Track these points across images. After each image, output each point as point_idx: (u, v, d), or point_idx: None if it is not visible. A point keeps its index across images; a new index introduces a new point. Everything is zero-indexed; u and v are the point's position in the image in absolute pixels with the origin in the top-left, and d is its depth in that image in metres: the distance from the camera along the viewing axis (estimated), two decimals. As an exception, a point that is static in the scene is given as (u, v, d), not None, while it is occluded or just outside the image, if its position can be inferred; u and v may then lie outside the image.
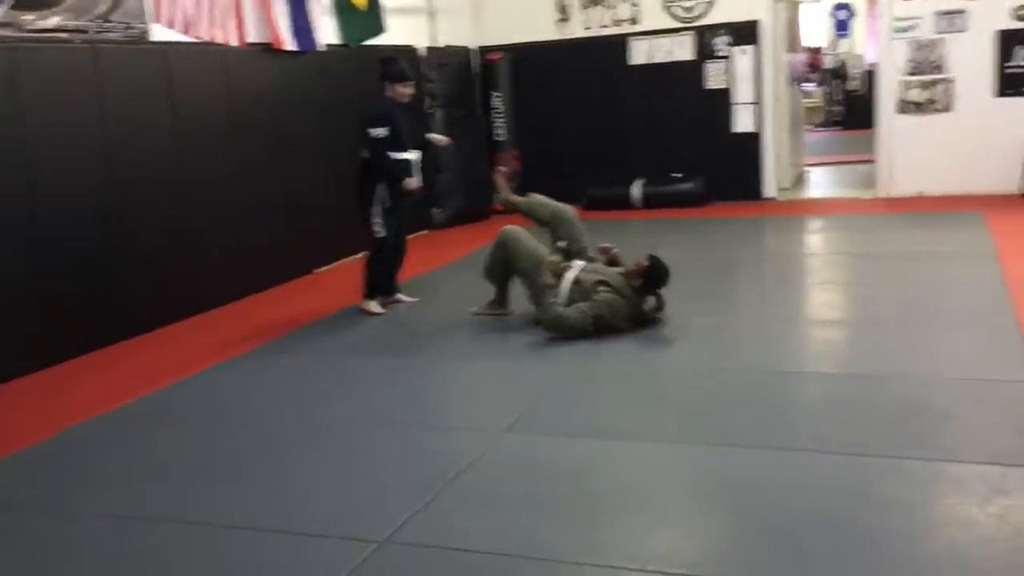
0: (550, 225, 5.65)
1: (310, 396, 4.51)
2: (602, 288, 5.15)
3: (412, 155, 5.85)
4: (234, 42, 6.69)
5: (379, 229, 5.79)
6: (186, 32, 6.27)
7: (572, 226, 5.60)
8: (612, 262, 5.43)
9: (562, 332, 5.07)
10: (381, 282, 5.99)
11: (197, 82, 6.36)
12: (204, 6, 6.39)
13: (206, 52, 6.46)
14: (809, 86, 19.21)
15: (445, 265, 7.69)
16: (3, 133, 4.99)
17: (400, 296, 6.19)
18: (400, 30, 8.88)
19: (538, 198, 5.84)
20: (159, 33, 6.06)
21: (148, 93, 5.95)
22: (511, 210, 6.04)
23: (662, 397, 4.23)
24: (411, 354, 5.09)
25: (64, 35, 5.33)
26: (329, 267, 7.72)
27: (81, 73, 5.45)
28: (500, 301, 5.69)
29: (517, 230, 5.52)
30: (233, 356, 5.24)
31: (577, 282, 5.14)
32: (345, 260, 7.83)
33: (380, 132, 5.62)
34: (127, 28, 5.78)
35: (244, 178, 6.79)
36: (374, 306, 5.95)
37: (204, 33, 6.42)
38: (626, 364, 4.72)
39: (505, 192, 6.14)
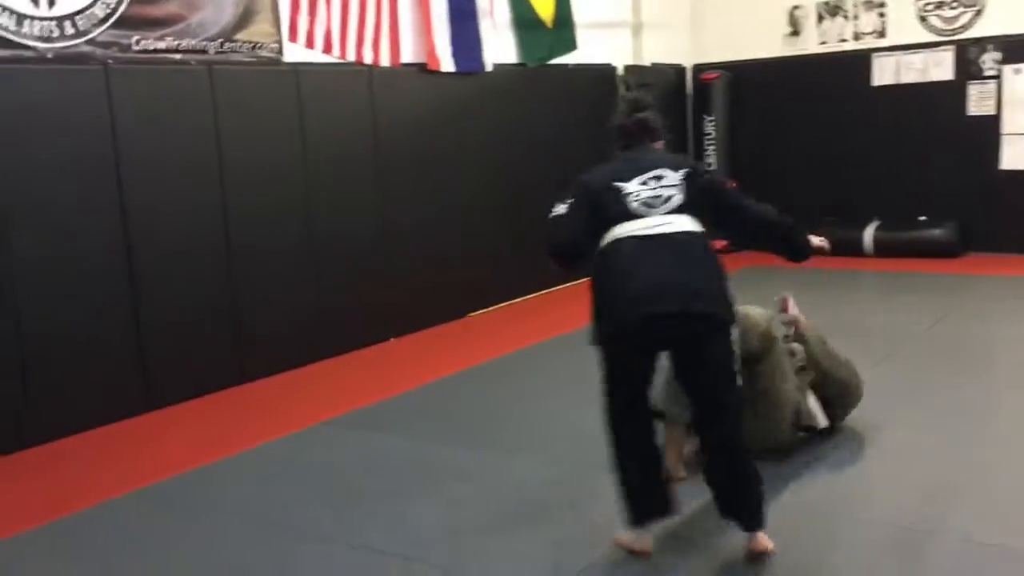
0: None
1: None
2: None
3: None
4: (386, 62, 6.10)
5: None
6: (327, 51, 5.75)
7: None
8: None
9: None
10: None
11: (335, 105, 5.80)
12: (351, 24, 5.86)
13: (347, 73, 5.91)
14: None
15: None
16: (97, 158, 4.64)
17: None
18: (597, 47, 7.98)
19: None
20: (294, 53, 5.58)
21: (276, 117, 5.47)
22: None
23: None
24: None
25: (177, 56, 4.94)
26: (484, 311, 6.96)
27: (197, 96, 5.04)
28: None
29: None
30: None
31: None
32: (502, 305, 7.05)
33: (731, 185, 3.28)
34: (255, 48, 5.32)
35: (386, 209, 6.18)
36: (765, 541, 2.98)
37: (350, 53, 5.89)
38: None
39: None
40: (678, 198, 2.95)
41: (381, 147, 6.11)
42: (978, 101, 7.88)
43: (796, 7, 8.72)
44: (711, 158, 8.92)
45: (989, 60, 7.80)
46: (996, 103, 7.80)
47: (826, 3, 8.57)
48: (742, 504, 2.95)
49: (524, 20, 7.27)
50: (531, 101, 7.29)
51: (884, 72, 8.34)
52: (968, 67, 7.89)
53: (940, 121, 8.07)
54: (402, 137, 6.25)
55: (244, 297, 5.32)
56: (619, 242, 2.91)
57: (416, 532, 3.31)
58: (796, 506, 3.35)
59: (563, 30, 7.64)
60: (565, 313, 6.68)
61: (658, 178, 2.98)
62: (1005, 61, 7.71)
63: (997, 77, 7.77)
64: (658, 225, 2.91)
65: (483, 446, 4.15)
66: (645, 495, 2.97)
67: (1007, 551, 2.96)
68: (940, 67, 8.04)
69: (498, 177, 7.01)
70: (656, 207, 2.93)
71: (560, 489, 3.62)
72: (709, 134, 8.92)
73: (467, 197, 6.76)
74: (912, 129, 8.20)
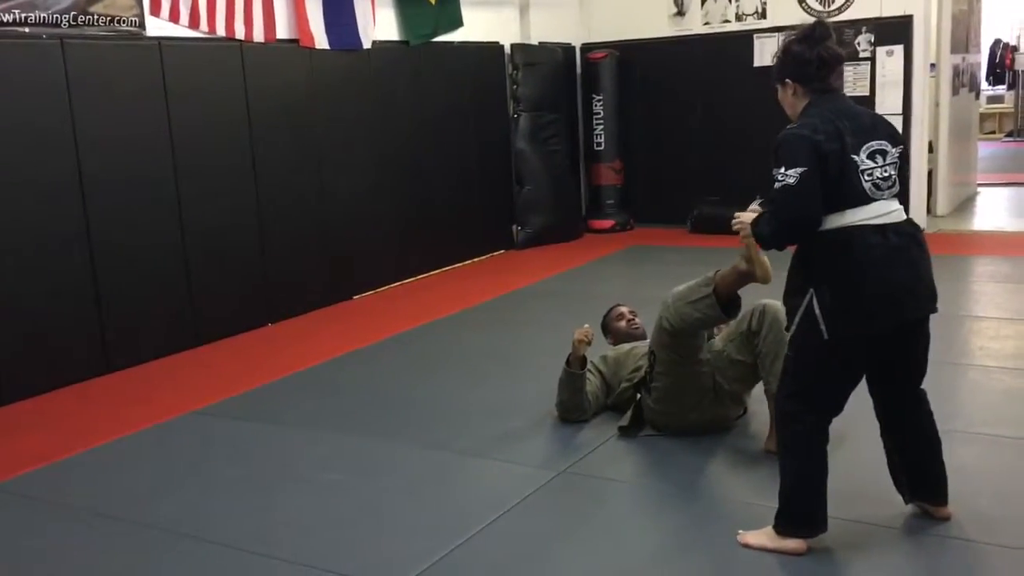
0: None
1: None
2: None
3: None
4: (259, 37, 5.89)
5: None
6: (194, 26, 5.51)
7: None
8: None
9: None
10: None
11: (204, 83, 5.56)
12: (219, -3, 5.62)
13: (217, 49, 5.67)
14: (999, 90, 16.94)
15: (518, 290, 6.72)
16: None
17: None
18: (483, 25, 7.89)
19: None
20: (157, 28, 5.32)
21: (138, 95, 5.21)
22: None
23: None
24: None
25: (26, 30, 4.64)
26: (370, 293, 6.83)
27: (48, 73, 4.75)
28: None
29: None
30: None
31: None
32: (389, 286, 6.93)
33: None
34: (113, 22, 5.05)
35: (262, 191, 5.97)
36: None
37: (219, 27, 5.65)
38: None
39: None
40: (896, 179, 2.73)
41: (256, 127, 5.89)
42: (854, 82, 8.09)
43: (681, -13, 8.81)
44: (600, 137, 8.96)
45: (864, 42, 8.02)
46: (870, 84, 8.03)
47: (709, -17, 8.68)
48: (943, 476, 2.90)
49: (408, -5, 7.12)
50: (415, 80, 7.16)
51: (765, 53, 8.47)
52: (844, 49, 8.08)
53: (818, 101, 8.25)
54: (279, 117, 6.05)
55: (107, 287, 5.06)
56: (856, 230, 2.64)
57: (281, 525, 3.20)
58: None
59: (448, 6, 7.51)
60: (452, 293, 6.65)
61: (883, 153, 2.71)
62: (877, 43, 7.94)
63: (871, 59, 8.00)
64: (888, 213, 2.68)
65: (360, 431, 4.06)
66: (823, 507, 2.77)
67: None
68: (818, 48, 8.22)
69: (383, 158, 6.88)
70: (884, 190, 2.69)
71: (436, 474, 3.56)
72: (598, 113, 8.93)
73: (350, 178, 6.61)
74: (792, 109, 8.37)
